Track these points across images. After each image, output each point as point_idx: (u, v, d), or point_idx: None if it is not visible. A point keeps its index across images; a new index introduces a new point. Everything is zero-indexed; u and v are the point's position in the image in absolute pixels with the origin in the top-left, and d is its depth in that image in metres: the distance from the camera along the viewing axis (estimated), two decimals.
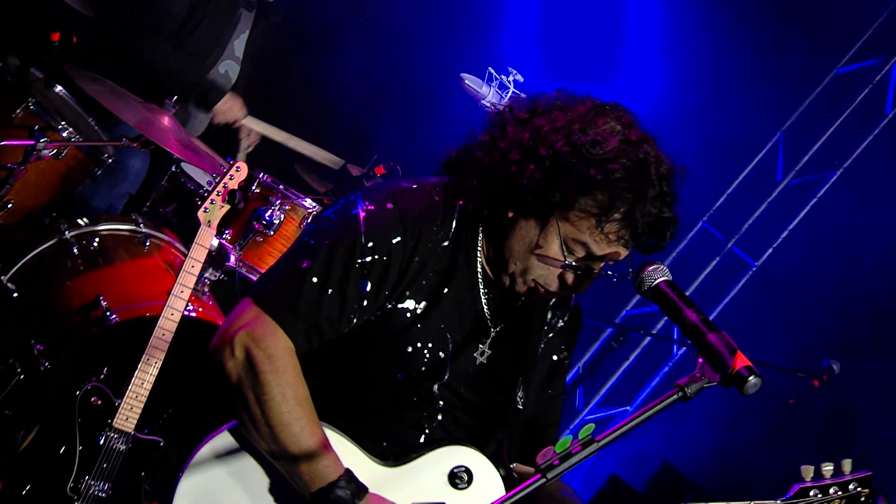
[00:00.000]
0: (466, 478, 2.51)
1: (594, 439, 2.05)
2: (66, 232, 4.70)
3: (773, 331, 6.93)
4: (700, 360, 2.16)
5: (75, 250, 4.66)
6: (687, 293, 6.76)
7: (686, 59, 7.18)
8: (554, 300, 2.74)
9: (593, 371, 7.12)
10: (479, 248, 2.56)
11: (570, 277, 2.46)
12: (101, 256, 4.70)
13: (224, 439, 2.48)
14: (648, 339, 7.60)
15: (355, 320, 2.45)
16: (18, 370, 4.39)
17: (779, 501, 2.57)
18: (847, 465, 2.59)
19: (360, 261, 2.41)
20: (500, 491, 2.53)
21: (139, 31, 5.39)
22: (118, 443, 3.81)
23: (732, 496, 2.61)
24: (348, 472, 2.36)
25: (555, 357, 2.78)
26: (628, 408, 7.72)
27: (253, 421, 2.38)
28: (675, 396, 2.10)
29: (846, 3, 7.18)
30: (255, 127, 5.82)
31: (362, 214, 2.44)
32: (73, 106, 5.08)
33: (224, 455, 2.47)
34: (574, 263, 2.42)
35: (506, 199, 2.44)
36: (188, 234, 4.04)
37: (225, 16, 5.61)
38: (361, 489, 2.36)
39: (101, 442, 3.81)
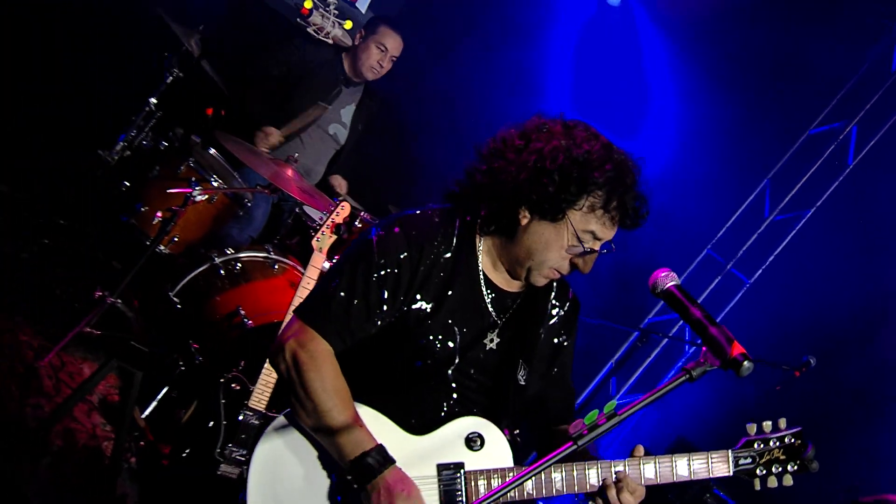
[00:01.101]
0: (479, 442, 2.49)
1: (616, 413, 2.08)
2: (216, 258, 4.77)
3: (763, 334, 6.80)
4: (704, 348, 2.13)
5: (222, 272, 4.73)
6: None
7: (694, 119, 7.10)
8: (554, 293, 2.70)
9: (622, 366, 7.00)
10: (478, 258, 2.55)
11: (579, 261, 2.46)
12: (242, 277, 4.75)
13: (284, 420, 2.52)
14: (666, 340, 7.54)
15: (379, 322, 2.47)
16: (180, 363, 4.47)
17: (730, 451, 2.56)
18: (783, 422, 2.59)
19: (375, 275, 2.42)
20: (506, 452, 2.52)
21: (264, 104, 5.42)
22: (253, 418, 3.85)
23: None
24: (380, 446, 2.37)
25: (555, 340, 2.73)
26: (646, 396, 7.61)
27: (302, 407, 2.41)
28: (683, 378, 2.10)
29: (818, 73, 7.12)
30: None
31: (375, 239, 2.46)
32: (221, 163, 5.14)
33: (284, 431, 2.50)
34: (589, 247, 2.43)
35: (517, 210, 2.44)
36: (307, 258, 4.08)
37: (323, 88, 5.56)
38: (388, 460, 2.36)
39: (240, 418, 3.84)
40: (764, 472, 2.56)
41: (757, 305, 7.31)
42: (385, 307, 2.44)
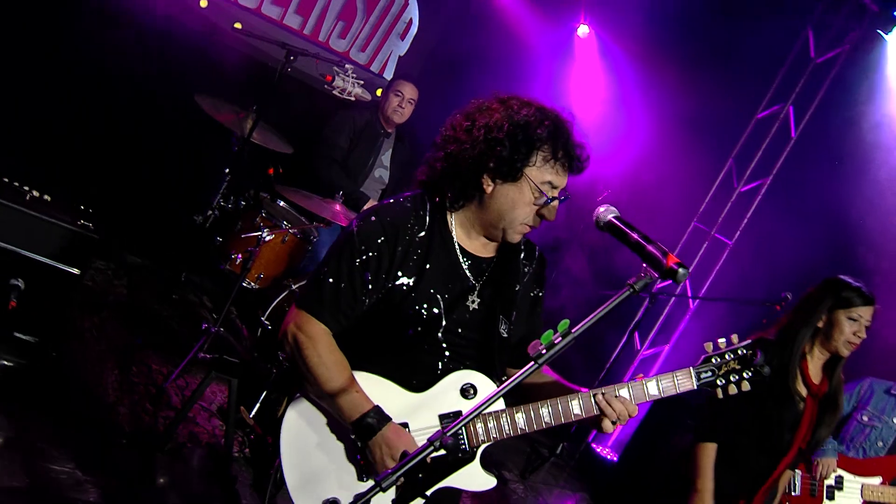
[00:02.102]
0: (472, 391, 2.39)
1: (570, 331, 1.95)
2: (293, 286, 4.77)
3: (748, 282, 6.68)
4: (644, 264, 2.03)
5: (298, 293, 4.70)
6: (689, 268, 6.46)
7: (664, 119, 6.99)
8: (524, 254, 2.57)
9: (640, 325, 6.86)
10: (452, 231, 2.43)
11: (544, 211, 2.34)
12: None
13: (302, 396, 2.44)
14: (673, 299, 7.42)
15: (367, 300, 2.36)
16: (274, 371, 4.46)
17: (691, 369, 2.43)
18: (735, 337, 2.47)
19: (358, 260, 2.32)
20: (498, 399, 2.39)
21: (320, 160, 5.45)
22: None
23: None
24: (376, 406, 2.28)
25: (531, 294, 2.60)
26: (666, 346, 7.47)
27: (308, 381, 2.34)
28: (628, 292, 1.99)
29: (758, 65, 7.07)
30: None
31: (355, 229, 2.36)
32: (289, 209, 5.16)
33: (304, 404, 2.42)
34: (550, 196, 2.31)
35: (480, 181, 2.33)
36: None
37: (371, 143, 5.60)
38: (385, 419, 2.27)
39: None
40: (723, 381, 2.44)
41: (741, 260, 7.15)
42: (370, 287, 2.35)
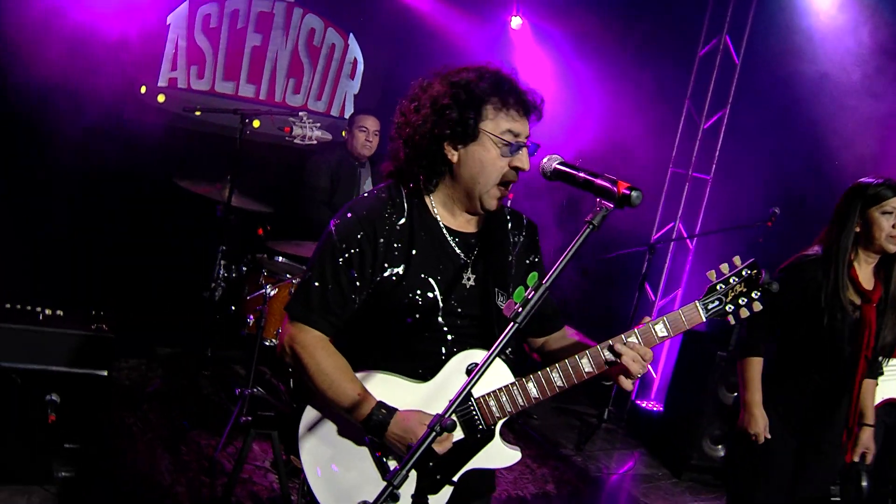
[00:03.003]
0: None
1: (541, 283, 1.85)
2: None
3: (734, 210, 6.64)
4: (598, 199, 1.92)
5: None
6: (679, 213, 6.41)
7: (616, 80, 6.96)
8: (511, 224, 2.46)
9: (648, 277, 6.82)
10: (433, 213, 2.31)
11: (516, 162, 2.22)
12: None
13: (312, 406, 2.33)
14: (672, 244, 7.38)
15: (357, 298, 2.25)
16: None
17: (697, 302, 2.29)
18: (737, 259, 2.34)
19: (340, 259, 2.22)
20: (505, 370, 2.28)
21: (307, 205, 5.49)
22: None
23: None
24: (379, 402, 2.17)
25: (527, 261, 2.48)
26: (679, 290, 7.43)
27: (311, 389, 2.25)
28: (588, 229, 1.88)
29: (685, 5, 7.09)
30: None
31: (333, 229, 2.26)
32: (286, 262, 5.18)
33: (315, 412, 2.30)
34: (514, 143, 2.20)
35: (443, 153, 2.23)
36: None
37: (350, 178, 5.64)
38: (391, 411, 2.16)
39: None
40: (732, 307, 2.30)
41: (724, 191, 7.10)
42: (357, 284, 2.24)
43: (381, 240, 2.23)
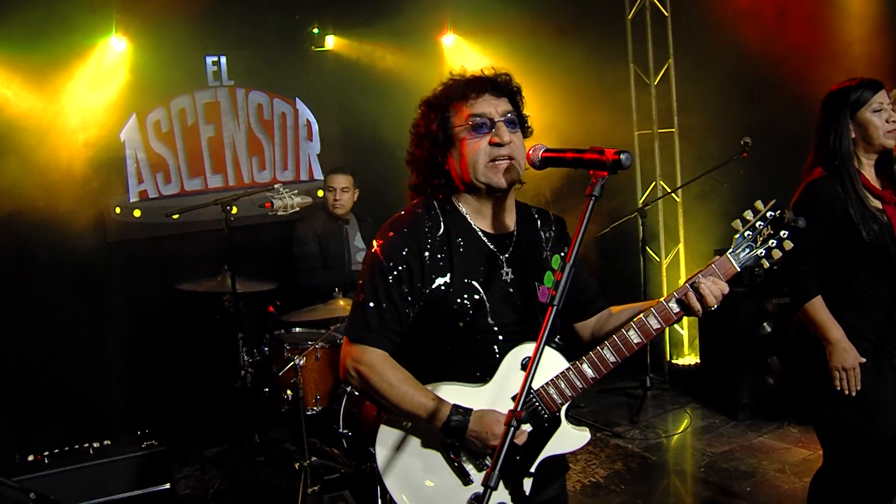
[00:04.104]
0: None
1: (565, 262, 1.90)
2: (347, 388, 4.81)
3: (707, 151, 6.73)
4: (591, 172, 1.97)
5: (356, 393, 4.74)
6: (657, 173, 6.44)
7: (555, 67, 7.01)
8: (539, 222, 2.53)
9: (646, 241, 6.91)
10: (466, 217, 2.39)
11: (495, 138, 2.28)
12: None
13: (387, 423, 2.35)
14: (660, 202, 7.45)
15: (411, 312, 2.31)
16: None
17: (728, 254, 2.33)
18: (759, 203, 2.34)
19: (390, 277, 2.28)
20: (558, 358, 2.34)
21: (303, 275, 5.57)
22: None
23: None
24: (454, 406, 2.23)
25: (562, 253, 2.45)
26: (679, 245, 7.52)
27: (384, 407, 2.30)
28: (591, 201, 1.92)
29: None
30: None
31: (378, 249, 2.32)
32: (304, 331, 5.23)
33: (387, 432, 2.34)
34: (479, 122, 2.29)
35: (445, 167, 2.37)
36: None
37: (338, 237, 5.71)
38: (468, 412, 2.22)
39: None
40: (763, 251, 2.32)
41: (692, 139, 7.19)
42: (409, 298, 2.30)
43: (426, 253, 2.30)
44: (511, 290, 2.38)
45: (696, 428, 6.05)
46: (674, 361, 7.35)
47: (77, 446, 4.17)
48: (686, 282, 2.34)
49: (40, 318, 5.49)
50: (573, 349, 2.47)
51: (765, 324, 6.15)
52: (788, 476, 5.01)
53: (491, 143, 2.29)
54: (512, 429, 1.81)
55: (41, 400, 5.35)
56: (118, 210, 6.09)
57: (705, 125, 6.85)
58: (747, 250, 2.33)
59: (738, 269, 2.33)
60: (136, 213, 6.16)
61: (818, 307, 3.23)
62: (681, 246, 7.52)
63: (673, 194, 7.38)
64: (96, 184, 5.79)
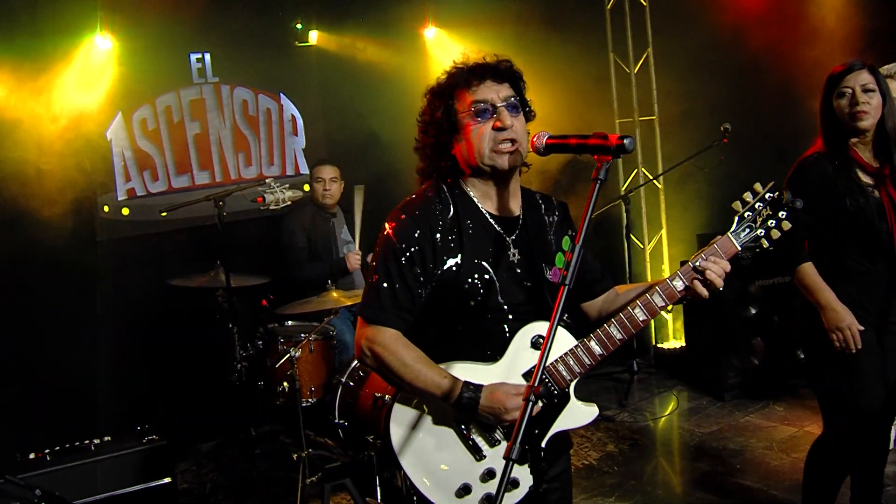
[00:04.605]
0: (542, 339, 2.30)
1: (575, 245, 1.97)
2: (342, 379, 4.81)
3: (689, 137, 6.82)
4: (595, 157, 2.04)
5: (351, 383, 4.76)
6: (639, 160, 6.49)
7: (535, 61, 7.06)
8: (543, 207, 2.60)
9: (630, 228, 7.00)
10: (474, 200, 2.45)
11: (497, 123, 2.35)
12: (364, 376, 4.77)
13: (400, 399, 2.41)
14: (642, 188, 7.53)
15: (423, 293, 2.36)
16: (372, 453, 4.52)
17: (729, 234, 2.41)
18: (758, 186, 2.42)
19: (403, 258, 2.33)
20: (566, 336, 2.41)
21: (292, 269, 5.60)
22: None
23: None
24: (465, 382, 2.28)
25: (565, 236, 2.61)
26: (662, 231, 7.63)
27: (398, 385, 2.35)
28: (597, 185, 2.00)
29: None
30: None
31: (391, 232, 2.37)
32: (297, 323, 5.27)
33: (399, 408, 2.38)
34: (482, 108, 2.35)
35: (452, 152, 2.43)
36: None
37: (326, 230, 5.74)
38: (479, 388, 2.27)
39: None
40: (763, 231, 2.40)
41: (673, 126, 7.33)
42: (422, 279, 2.34)
43: (438, 235, 2.36)
44: (518, 270, 2.44)
45: (683, 409, 6.16)
46: (659, 346, 7.46)
47: (77, 443, 4.19)
48: (690, 261, 2.41)
49: (33, 317, 5.48)
50: (581, 329, 2.52)
51: (749, 306, 6.26)
52: (776, 453, 5.13)
53: (494, 128, 2.36)
54: (531, 403, 1.88)
55: (38, 399, 5.34)
56: (106, 209, 6.09)
57: (686, 112, 6.95)
58: (747, 230, 2.41)
59: (739, 249, 2.41)
60: (125, 211, 6.16)
61: (808, 271, 3.35)
62: (663, 232, 7.63)
63: (655, 181, 7.49)
64: (84, 183, 5.78)
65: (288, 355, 4.68)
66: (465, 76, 2.40)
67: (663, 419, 6.02)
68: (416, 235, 2.35)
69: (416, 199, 2.45)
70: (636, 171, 7.52)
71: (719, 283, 2.36)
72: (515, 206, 2.52)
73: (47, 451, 4.14)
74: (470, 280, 2.35)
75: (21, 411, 5.23)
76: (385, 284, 2.34)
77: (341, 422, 5.07)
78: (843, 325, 3.27)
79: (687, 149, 6.62)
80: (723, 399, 6.18)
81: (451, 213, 2.41)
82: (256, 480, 5.07)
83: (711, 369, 6.32)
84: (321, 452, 5.22)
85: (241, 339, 5.11)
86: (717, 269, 2.36)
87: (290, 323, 5.39)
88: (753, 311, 6.26)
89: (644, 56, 7.36)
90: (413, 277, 2.34)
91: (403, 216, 2.38)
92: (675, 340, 7.54)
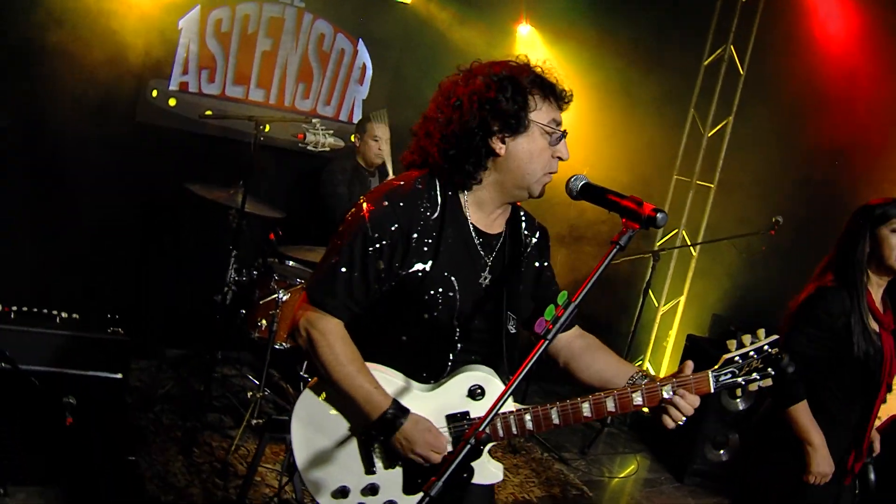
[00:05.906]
0: (481, 392, 2.23)
1: (570, 300, 1.85)
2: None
3: (737, 219, 6.65)
4: (623, 220, 1.94)
5: None
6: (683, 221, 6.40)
7: (621, 88, 6.92)
8: (525, 224, 2.46)
9: (651, 284, 6.85)
10: (465, 210, 2.28)
11: (558, 151, 2.23)
12: None
13: (316, 383, 2.34)
14: (676, 250, 7.41)
15: (380, 289, 2.22)
16: None
17: (709, 372, 2.28)
18: (762, 333, 2.29)
19: (371, 248, 2.17)
20: (500, 387, 2.28)
21: (334, 214, 5.50)
22: None
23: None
24: (394, 401, 2.17)
25: (536, 265, 2.47)
26: (681, 297, 7.47)
27: (323, 376, 2.23)
28: (616, 249, 1.88)
29: (691, 15, 7.23)
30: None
31: (367, 215, 2.19)
32: (297, 266, 5.20)
33: (318, 392, 2.31)
34: (559, 132, 2.22)
35: (491, 147, 2.21)
36: None
37: (363, 186, 5.67)
38: (404, 411, 2.16)
39: None
40: (743, 381, 2.28)
41: (727, 199, 7.16)
42: (383, 275, 2.20)
43: (415, 235, 2.20)
44: (483, 295, 2.30)
45: (640, 477, 6.03)
46: None
47: (45, 311, 4.14)
48: (658, 381, 2.28)
49: (60, 175, 5.44)
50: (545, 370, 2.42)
51: (738, 400, 6.10)
52: None
53: (553, 157, 2.24)
54: (468, 445, 1.75)
55: (30, 258, 5.31)
56: (154, 93, 6.01)
57: (745, 191, 6.78)
58: (729, 375, 2.28)
59: (712, 391, 2.27)
60: (172, 101, 6.08)
61: (803, 410, 3.19)
62: (682, 298, 7.47)
63: (692, 248, 7.32)
64: (141, 60, 5.72)
65: (275, 295, 4.61)
66: (550, 85, 2.24)
67: (616, 480, 5.90)
68: (393, 229, 2.19)
69: (403, 186, 2.27)
70: (677, 231, 7.35)
71: (681, 419, 2.24)
72: (502, 222, 2.39)
73: (14, 307, 4.10)
74: (433, 291, 2.21)
75: (41, 265, 5.26)
76: (344, 269, 2.19)
77: (306, 376, 5.05)
78: (828, 472, 3.17)
79: (732, 219, 6.49)
80: (682, 481, 6.04)
81: (437, 215, 2.25)
82: (207, 404, 5.01)
83: (681, 448, 6.18)
84: (276, 398, 5.18)
85: (237, 262, 5.04)
86: (684, 406, 2.23)
87: (290, 263, 5.31)
88: (741, 407, 6.09)
89: (724, 123, 7.18)
90: (375, 271, 2.20)
91: (386, 203, 2.21)
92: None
